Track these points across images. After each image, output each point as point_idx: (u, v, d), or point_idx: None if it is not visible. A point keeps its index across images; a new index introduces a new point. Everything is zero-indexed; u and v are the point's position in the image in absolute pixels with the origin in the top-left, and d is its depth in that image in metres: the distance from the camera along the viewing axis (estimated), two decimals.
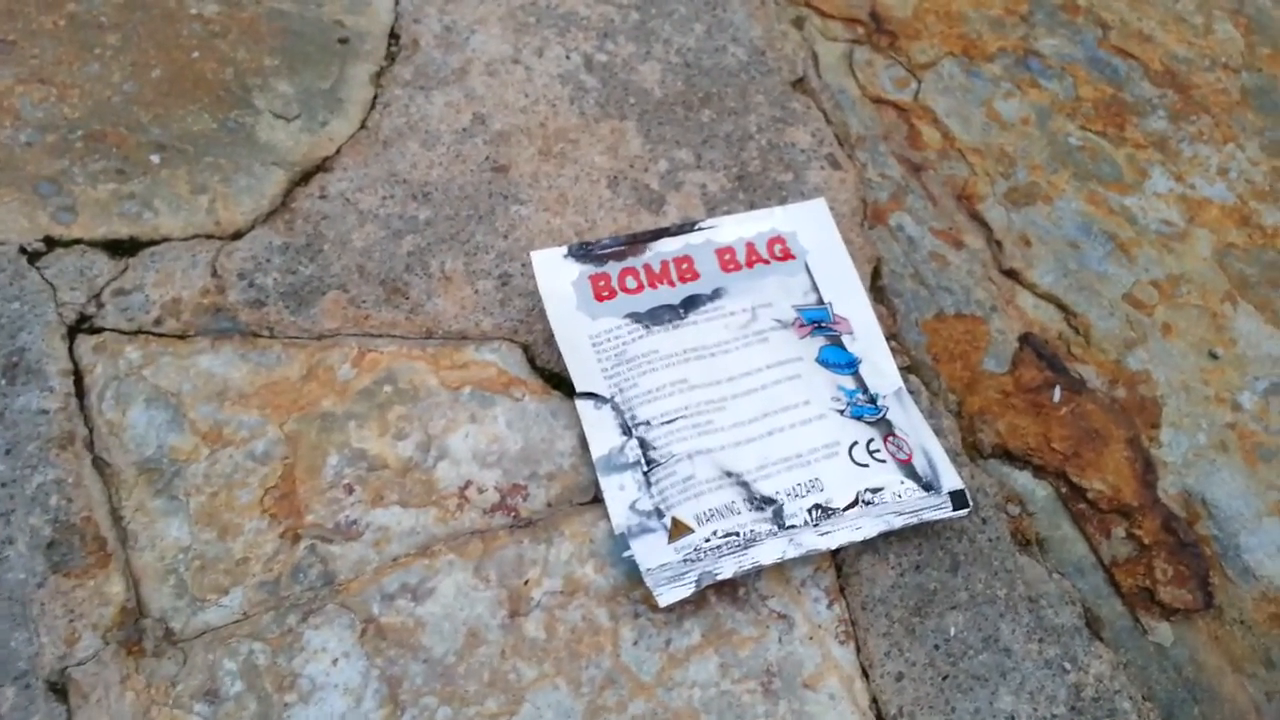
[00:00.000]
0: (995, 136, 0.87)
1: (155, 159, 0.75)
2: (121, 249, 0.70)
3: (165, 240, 0.71)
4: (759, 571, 0.63)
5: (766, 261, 0.73)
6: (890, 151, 0.85)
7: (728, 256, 0.73)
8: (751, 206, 0.79)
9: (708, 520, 0.62)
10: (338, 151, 0.78)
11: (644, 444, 0.65)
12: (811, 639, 0.61)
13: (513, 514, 0.64)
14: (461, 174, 0.78)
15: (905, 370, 0.72)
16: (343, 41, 0.84)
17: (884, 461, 0.65)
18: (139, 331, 0.67)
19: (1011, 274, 0.79)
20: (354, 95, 0.81)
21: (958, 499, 0.65)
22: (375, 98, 0.81)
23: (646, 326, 0.69)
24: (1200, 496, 0.70)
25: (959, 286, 0.78)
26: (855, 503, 0.64)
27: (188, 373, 0.66)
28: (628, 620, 0.61)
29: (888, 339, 0.72)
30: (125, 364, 0.66)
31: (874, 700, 0.60)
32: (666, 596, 0.59)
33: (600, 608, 0.61)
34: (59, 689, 0.55)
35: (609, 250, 0.72)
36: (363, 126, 0.79)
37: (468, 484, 0.64)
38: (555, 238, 0.75)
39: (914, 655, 0.62)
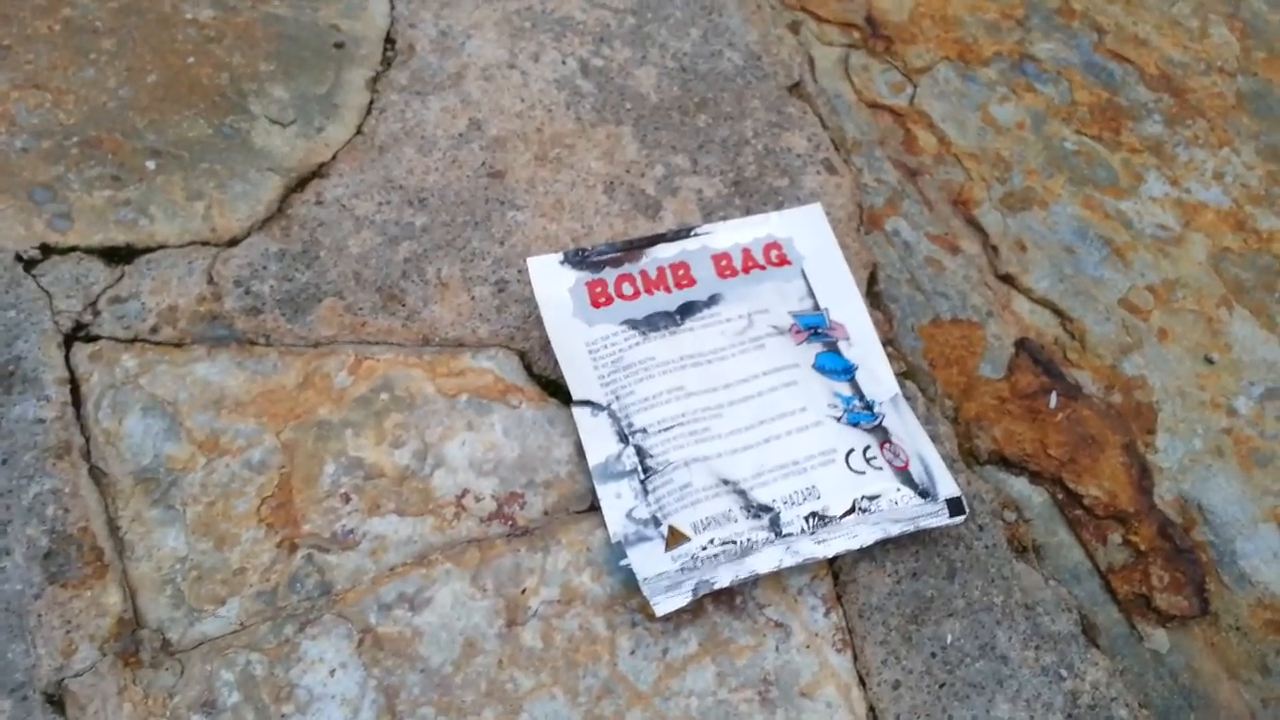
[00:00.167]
0: (991, 141, 0.87)
1: (151, 165, 0.75)
2: (117, 256, 0.70)
3: (161, 247, 0.71)
4: (756, 580, 0.63)
5: (763, 267, 0.73)
6: (886, 156, 0.85)
7: (724, 262, 0.73)
8: (748, 212, 0.79)
9: (705, 528, 0.62)
10: (334, 157, 0.77)
11: (641, 451, 0.65)
12: (808, 647, 0.61)
13: (510, 522, 0.64)
14: (457, 180, 0.78)
15: (901, 376, 0.72)
16: (338, 46, 0.84)
17: (880, 469, 0.66)
18: (135, 340, 0.67)
19: (1007, 279, 0.79)
20: (350, 101, 0.81)
21: (954, 506, 0.65)
22: (371, 103, 0.81)
23: (643, 333, 0.69)
24: (1196, 502, 0.70)
25: (955, 292, 0.78)
26: (852, 510, 0.64)
27: (184, 381, 0.66)
28: (625, 629, 0.61)
29: (884, 345, 0.72)
30: (121, 372, 0.66)
31: (871, 708, 0.60)
32: (663, 605, 0.59)
33: (597, 617, 0.61)
34: (56, 701, 0.55)
35: (605, 256, 0.72)
36: (359, 132, 0.79)
37: (465, 492, 0.64)
38: (551, 244, 0.75)
39: (911, 663, 0.62)
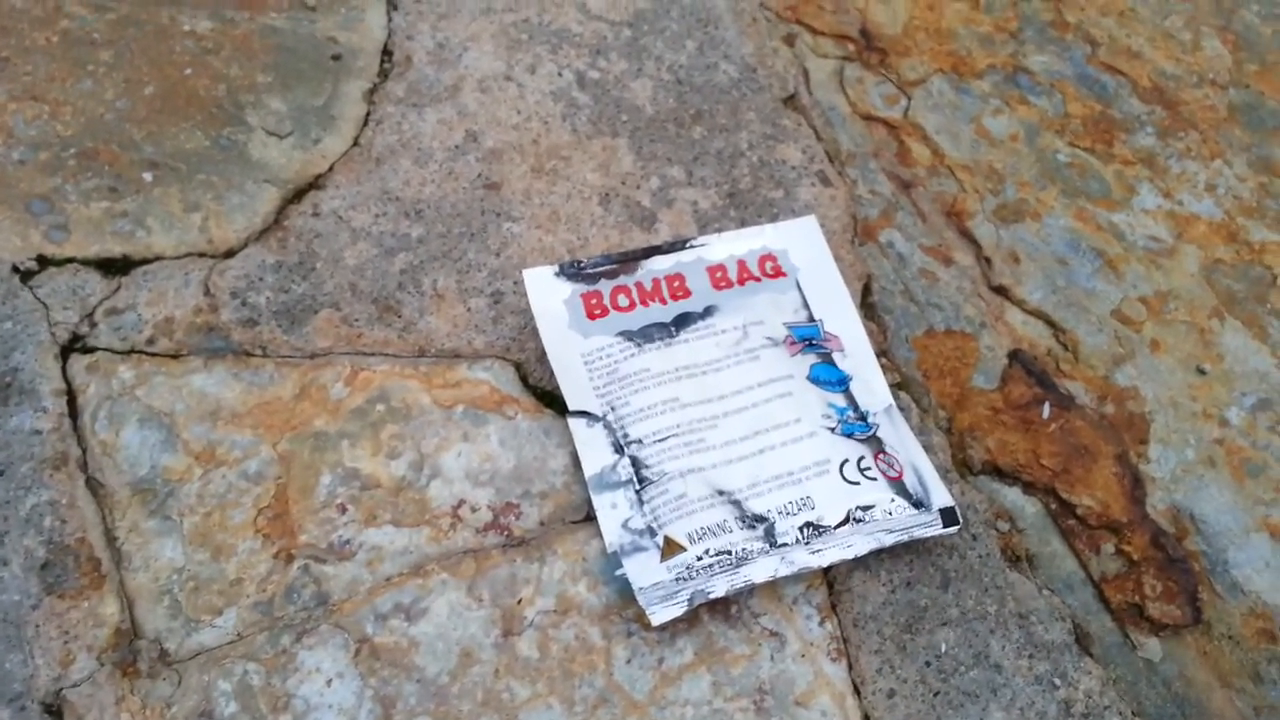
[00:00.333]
0: (984, 153, 0.88)
1: (148, 177, 0.75)
2: (114, 268, 0.71)
3: (158, 259, 0.72)
4: (751, 589, 0.63)
5: (758, 279, 0.74)
6: (880, 168, 0.85)
7: (719, 274, 0.74)
8: (743, 224, 0.79)
9: (700, 539, 0.62)
10: (330, 169, 0.78)
11: (636, 462, 0.65)
12: (803, 656, 0.62)
13: (505, 533, 0.64)
14: (454, 191, 0.78)
15: (895, 387, 0.73)
16: (336, 58, 0.84)
17: (875, 479, 0.66)
18: (132, 351, 0.67)
19: (1001, 290, 0.80)
20: (347, 112, 0.81)
21: (948, 516, 0.65)
22: (368, 115, 0.81)
23: (638, 344, 0.70)
24: (1189, 512, 0.71)
25: (948, 303, 0.78)
26: (846, 520, 0.64)
27: (180, 392, 0.66)
28: (620, 639, 0.61)
29: (878, 356, 0.73)
30: (118, 384, 0.66)
31: (866, 717, 0.60)
32: (659, 615, 0.60)
33: (593, 626, 0.61)
34: (54, 711, 0.55)
35: (601, 268, 0.73)
36: (355, 144, 0.80)
37: (460, 503, 0.65)
38: (547, 255, 0.76)
39: (905, 672, 0.62)
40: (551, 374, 0.69)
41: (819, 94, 0.90)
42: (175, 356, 0.68)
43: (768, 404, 0.68)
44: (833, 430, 0.67)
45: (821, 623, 0.63)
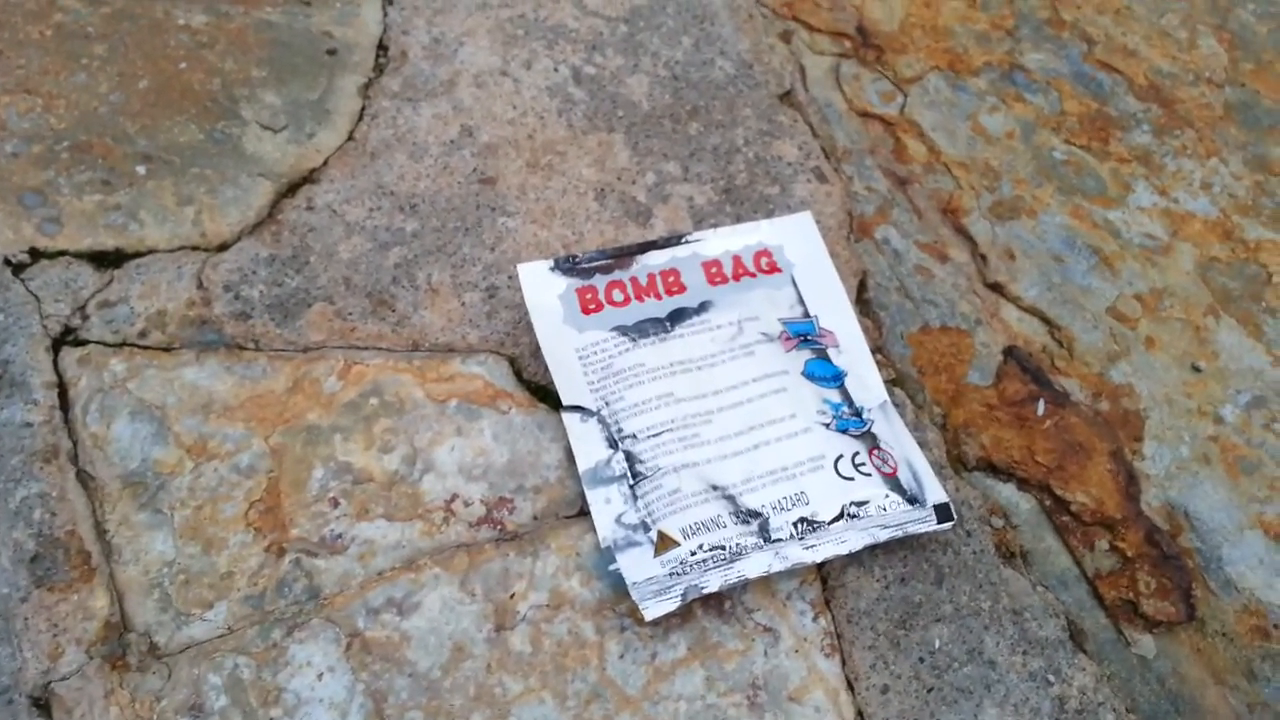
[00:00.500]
0: (980, 150, 0.88)
1: (141, 170, 0.75)
2: (107, 261, 0.70)
3: (151, 252, 0.71)
4: (745, 585, 0.63)
5: (753, 275, 0.74)
6: (876, 165, 0.85)
7: (714, 270, 0.73)
8: (738, 219, 0.79)
9: (694, 534, 0.62)
10: (325, 163, 0.78)
11: (630, 457, 0.65)
12: (797, 652, 0.61)
13: (499, 527, 0.64)
14: (449, 186, 0.78)
15: (890, 383, 0.73)
16: (331, 53, 0.84)
17: (869, 475, 0.66)
18: (124, 344, 0.67)
19: (996, 287, 0.80)
20: (342, 107, 0.81)
21: (942, 512, 0.65)
22: (363, 109, 0.81)
23: (633, 339, 0.69)
24: (1183, 509, 0.71)
25: (944, 300, 0.78)
26: (841, 516, 0.64)
27: (172, 385, 0.66)
28: (614, 634, 0.61)
29: (873, 352, 0.73)
30: (110, 377, 0.66)
31: (859, 713, 0.60)
32: (652, 610, 0.60)
33: (586, 621, 0.61)
34: (42, 704, 0.55)
35: (596, 263, 0.72)
36: (350, 138, 0.79)
37: (454, 497, 0.64)
38: (542, 250, 0.75)
39: (899, 668, 0.62)
40: (546, 369, 0.69)
41: (815, 90, 0.89)
42: (167, 349, 0.67)
43: (762, 399, 0.68)
44: (827, 426, 0.67)
45: (815, 618, 0.63)
